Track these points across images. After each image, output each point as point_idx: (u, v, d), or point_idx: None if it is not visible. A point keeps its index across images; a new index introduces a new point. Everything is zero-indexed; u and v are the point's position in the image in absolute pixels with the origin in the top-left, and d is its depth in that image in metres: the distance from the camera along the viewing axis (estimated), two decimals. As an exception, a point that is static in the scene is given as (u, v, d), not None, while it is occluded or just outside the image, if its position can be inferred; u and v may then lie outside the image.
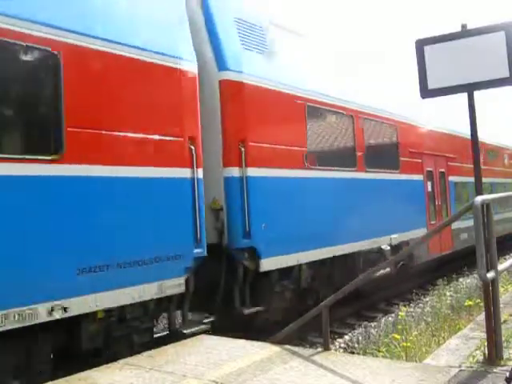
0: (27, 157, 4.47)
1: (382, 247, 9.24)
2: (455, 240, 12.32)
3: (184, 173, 5.83)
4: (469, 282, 11.25)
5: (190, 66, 6.06)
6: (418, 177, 11.40)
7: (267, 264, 6.87)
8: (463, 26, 4.78)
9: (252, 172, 6.78)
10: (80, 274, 4.73)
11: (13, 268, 4.26)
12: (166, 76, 5.76)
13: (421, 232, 10.50)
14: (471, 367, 4.31)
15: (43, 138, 4.74)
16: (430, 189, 11.81)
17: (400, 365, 4.69)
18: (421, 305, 9.72)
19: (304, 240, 7.51)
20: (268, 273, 7.04)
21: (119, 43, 5.31)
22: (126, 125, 5.28)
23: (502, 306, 4.91)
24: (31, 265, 4.41)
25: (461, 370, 4.21)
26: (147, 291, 5.31)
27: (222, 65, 6.77)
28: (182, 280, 5.69)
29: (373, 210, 9.03)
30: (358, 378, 4.06)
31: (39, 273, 4.44)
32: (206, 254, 6.02)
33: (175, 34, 6.04)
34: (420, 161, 11.47)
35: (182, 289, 5.71)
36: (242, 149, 6.69)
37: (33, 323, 4.36)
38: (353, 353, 6.84)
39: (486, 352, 4.42)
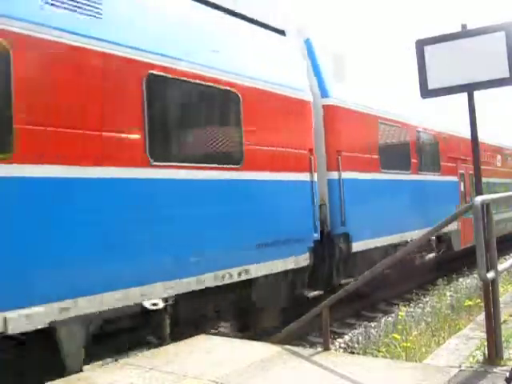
0: (225, 166, 6.32)
1: (431, 236, 10.82)
2: None
3: (307, 176, 7.71)
4: (469, 282, 11.26)
5: (307, 96, 8.00)
6: (454, 178, 13.40)
7: (356, 246, 8.72)
8: (463, 26, 4.78)
9: (345, 175, 8.63)
10: (256, 248, 6.57)
11: (224, 246, 6.11)
12: (296, 104, 7.68)
13: (456, 225, 12.22)
14: (471, 367, 4.31)
15: (234, 153, 6.55)
16: (462, 188, 13.69)
17: (400, 365, 4.70)
18: (421, 305, 9.72)
19: (377, 229, 9.31)
20: (355, 253, 8.79)
21: (273, 83, 7.22)
22: (278, 142, 7.22)
23: (502, 306, 4.91)
24: (236, 243, 6.32)
25: (461, 370, 4.20)
26: (290, 263, 7.22)
27: (324, 93, 8.66)
28: (307, 256, 7.58)
29: (422, 205, 10.88)
30: (358, 378, 4.05)
31: (236, 247, 6.31)
32: (319, 238, 7.92)
33: (298, 73, 8.02)
34: (455, 165, 13.41)
35: (307, 262, 7.57)
36: (339, 157, 8.52)
37: (230, 282, 6.16)
38: (353, 353, 6.84)
39: (486, 352, 4.42)
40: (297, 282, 7.64)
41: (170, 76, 5.66)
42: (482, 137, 15.44)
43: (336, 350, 7.23)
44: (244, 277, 6.38)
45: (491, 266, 4.31)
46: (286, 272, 7.23)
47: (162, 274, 5.35)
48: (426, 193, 11.31)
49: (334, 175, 8.51)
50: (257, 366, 4.43)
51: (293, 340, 6.53)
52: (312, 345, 7.45)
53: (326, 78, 8.77)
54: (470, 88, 4.74)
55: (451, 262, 13.02)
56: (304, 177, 7.65)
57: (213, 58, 6.28)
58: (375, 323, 8.76)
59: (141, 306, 5.10)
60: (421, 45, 4.90)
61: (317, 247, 7.89)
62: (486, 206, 4.47)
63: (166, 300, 5.34)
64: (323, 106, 8.59)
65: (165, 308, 5.32)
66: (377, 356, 6.09)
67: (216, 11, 6.73)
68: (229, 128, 6.60)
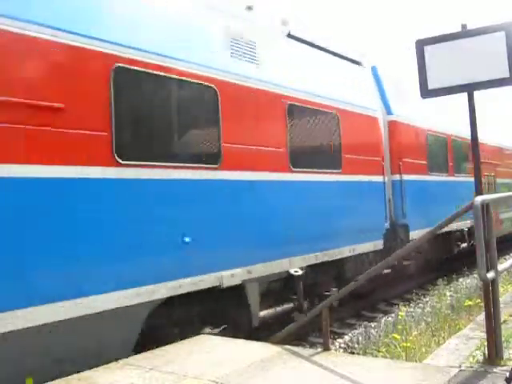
0: (332, 170, 8.29)
1: (464, 229, 12.97)
2: (503, 226, 15.94)
3: (380, 178, 9.72)
4: (469, 282, 11.26)
5: (377, 114, 10.00)
6: None
7: (413, 235, 10.41)
8: (463, 26, 4.77)
9: (405, 177, 10.62)
10: (358, 234, 8.74)
11: (331, 234, 8.06)
12: (372, 121, 9.74)
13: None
14: (471, 367, 4.31)
15: (336, 160, 8.43)
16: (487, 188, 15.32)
17: (400, 365, 4.70)
18: (421, 305, 9.72)
19: (427, 221, 10.50)
20: (412, 241, 10.17)
21: (357, 105, 9.16)
22: (362, 151, 9.14)
23: (502, 306, 4.91)
24: (341, 232, 8.27)
25: (461, 370, 4.21)
26: (371, 246, 9.19)
27: (388, 111, 10.74)
28: (381, 241, 9.51)
29: (456, 201, 11.95)
30: (358, 378, 4.06)
31: (336, 234, 8.17)
32: (389, 227, 9.96)
33: (371, 95, 10.09)
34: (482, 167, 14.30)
35: (382, 246, 9.50)
36: (400, 163, 10.54)
37: (333, 259, 8.13)
38: (353, 353, 6.84)
39: (486, 352, 4.43)
40: (373, 261, 9.31)
41: (299, 105, 7.61)
42: (501, 142, 17.64)
43: (336, 350, 7.23)
44: (341, 256, 8.35)
45: (491, 265, 4.31)
46: (367, 253, 9.20)
47: (300, 250, 7.33)
48: (459, 191, 12.92)
49: (397, 177, 10.50)
50: (257, 366, 4.44)
51: (293, 340, 6.55)
52: (312, 345, 7.45)
53: (389, 98, 10.85)
54: (470, 88, 4.73)
55: (451, 262, 13.06)
56: (379, 178, 9.69)
57: (323, 88, 8.26)
58: (375, 323, 8.76)
59: (287, 272, 7.06)
60: (421, 45, 4.89)
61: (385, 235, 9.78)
62: (486, 206, 4.47)
63: (302, 269, 7.26)
64: (388, 121, 10.69)
65: (301, 275, 7.20)
66: (377, 356, 6.09)
67: (318, 50, 8.65)
68: (334, 142, 8.43)
